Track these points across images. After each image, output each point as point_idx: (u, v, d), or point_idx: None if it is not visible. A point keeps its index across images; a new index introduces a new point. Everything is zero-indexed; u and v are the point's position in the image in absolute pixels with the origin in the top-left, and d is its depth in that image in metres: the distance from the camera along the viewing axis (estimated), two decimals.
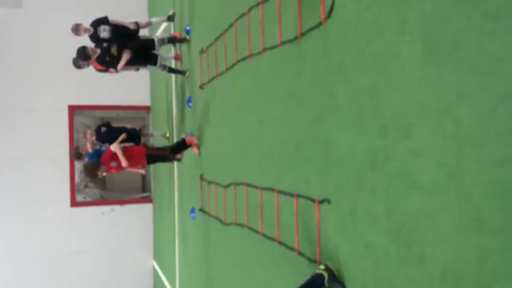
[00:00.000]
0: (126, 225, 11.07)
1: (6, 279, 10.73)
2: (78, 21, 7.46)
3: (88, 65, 7.32)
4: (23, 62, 10.78)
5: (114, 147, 6.49)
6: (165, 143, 9.40)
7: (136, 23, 7.66)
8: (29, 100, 10.83)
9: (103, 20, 7.45)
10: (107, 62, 7.16)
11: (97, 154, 7.70)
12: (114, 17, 7.59)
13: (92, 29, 7.39)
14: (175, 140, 8.97)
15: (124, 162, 6.45)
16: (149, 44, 7.43)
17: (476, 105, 2.10)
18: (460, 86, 2.17)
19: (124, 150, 6.62)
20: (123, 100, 11.47)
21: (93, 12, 7.73)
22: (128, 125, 9.02)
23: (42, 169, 10.81)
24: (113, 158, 6.52)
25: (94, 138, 8.47)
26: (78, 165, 11.42)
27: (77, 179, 11.33)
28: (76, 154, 7.95)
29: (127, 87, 11.15)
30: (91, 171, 6.46)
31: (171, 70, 7.89)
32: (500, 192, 1.98)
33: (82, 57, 7.12)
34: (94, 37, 7.41)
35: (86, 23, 7.51)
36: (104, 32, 7.33)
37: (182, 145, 7.13)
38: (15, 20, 10.76)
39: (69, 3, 10.78)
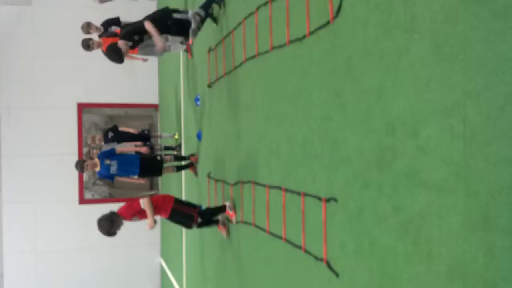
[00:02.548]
0: (134, 223, 11.10)
1: (15, 274, 10.82)
2: (87, 20, 7.51)
3: (98, 46, 7.33)
4: (32, 60, 10.86)
5: (145, 204, 5.52)
6: (172, 144, 9.42)
7: None
8: (39, 98, 10.92)
9: (115, 21, 7.48)
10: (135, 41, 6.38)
11: (107, 169, 7.06)
12: (124, 17, 7.63)
13: (102, 29, 7.43)
14: (182, 141, 9.01)
15: (151, 222, 5.55)
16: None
17: (483, 103, 2.10)
18: (468, 85, 2.18)
19: (152, 200, 5.65)
20: (132, 98, 11.53)
21: (103, 11, 7.78)
22: (136, 131, 8.87)
23: (51, 167, 10.90)
24: (137, 214, 5.61)
25: (103, 143, 8.45)
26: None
27: (85, 176, 11.40)
28: (80, 167, 7.22)
29: (136, 85, 11.22)
30: (109, 229, 5.39)
31: (207, 15, 6.33)
32: (507, 190, 1.98)
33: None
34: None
35: (95, 21, 7.56)
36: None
37: (216, 212, 6.10)
38: (25, 17, 10.84)
39: (79, 1, 10.85)
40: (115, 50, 5.75)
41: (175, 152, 9.10)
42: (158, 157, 7.80)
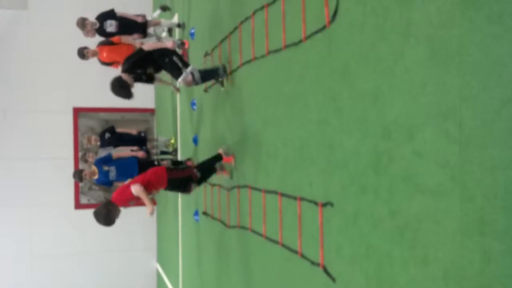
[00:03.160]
0: (130, 227, 11.08)
1: (10, 279, 10.76)
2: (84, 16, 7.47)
3: (93, 55, 7.30)
4: (28, 64, 10.83)
5: (137, 191, 5.10)
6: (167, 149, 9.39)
7: (144, 17, 7.67)
8: (35, 102, 10.88)
9: (110, 14, 7.44)
10: (144, 80, 6.41)
11: (106, 175, 6.92)
12: (118, 9, 7.59)
13: (98, 23, 7.39)
14: (179, 146, 8.99)
15: (150, 208, 5.13)
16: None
17: (479, 107, 2.11)
18: (464, 89, 2.18)
19: (146, 182, 5.24)
20: (128, 103, 11.46)
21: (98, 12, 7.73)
22: (134, 131, 8.90)
23: (46, 171, 10.85)
24: (132, 199, 5.25)
25: (98, 143, 8.41)
26: (82, 167, 11.45)
27: None
28: (78, 177, 7.02)
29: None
30: (106, 218, 5.10)
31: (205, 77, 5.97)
32: (503, 194, 1.99)
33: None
34: (100, 32, 7.41)
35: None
36: (111, 27, 7.30)
37: (212, 163, 5.75)
38: (21, 21, 10.82)
39: (75, 4, 10.84)
40: (122, 85, 5.60)
41: (171, 156, 9.08)
42: (156, 162, 7.73)
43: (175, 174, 5.53)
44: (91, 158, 8.07)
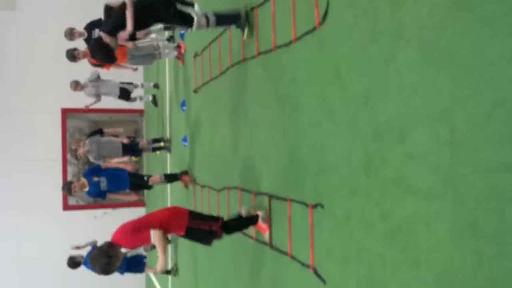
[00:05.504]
0: None
1: None
2: (72, 25, 7.43)
3: (84, 57, 7.24)
4: (16, 65, 10.76)
5: (157, 238, 4.23)
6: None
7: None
8: (22, 103, 10.81)
9: (98, 23, 7.41)
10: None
11: (97, 186, 6.76)
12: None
13: (86, 33, 7.35)
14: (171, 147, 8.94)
15: (162, 263, 4.39)
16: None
17: (471, 110, 2.10)
18: (456, 91, 2.17)
19: (165, 223, 4.38)
20: (117, 103, 11.42)
21: (88, 15, 7.69)
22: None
23: (34, 172, 10.77)
24: (146, 243, 4.40)
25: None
26: (70, 169, 11.38)
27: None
28: (67, 190, 6.70)
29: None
30: (105, 267, 4.13)
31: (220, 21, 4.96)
32: (495, 196, 1.98)
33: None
34: (89, 41, 7.37)
35: (81, 26, 7.49)
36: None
37: (244, 227, 4.74)
38: (9, 22, 10.74)
39: (64, 5, 10.77)
40: (103, 47, 4.79)
41: (162, 144, 8.94)
42: (145, 178, 7.42)
43: (196, 224, 4.53)
44: (82, 146, 8.00)
